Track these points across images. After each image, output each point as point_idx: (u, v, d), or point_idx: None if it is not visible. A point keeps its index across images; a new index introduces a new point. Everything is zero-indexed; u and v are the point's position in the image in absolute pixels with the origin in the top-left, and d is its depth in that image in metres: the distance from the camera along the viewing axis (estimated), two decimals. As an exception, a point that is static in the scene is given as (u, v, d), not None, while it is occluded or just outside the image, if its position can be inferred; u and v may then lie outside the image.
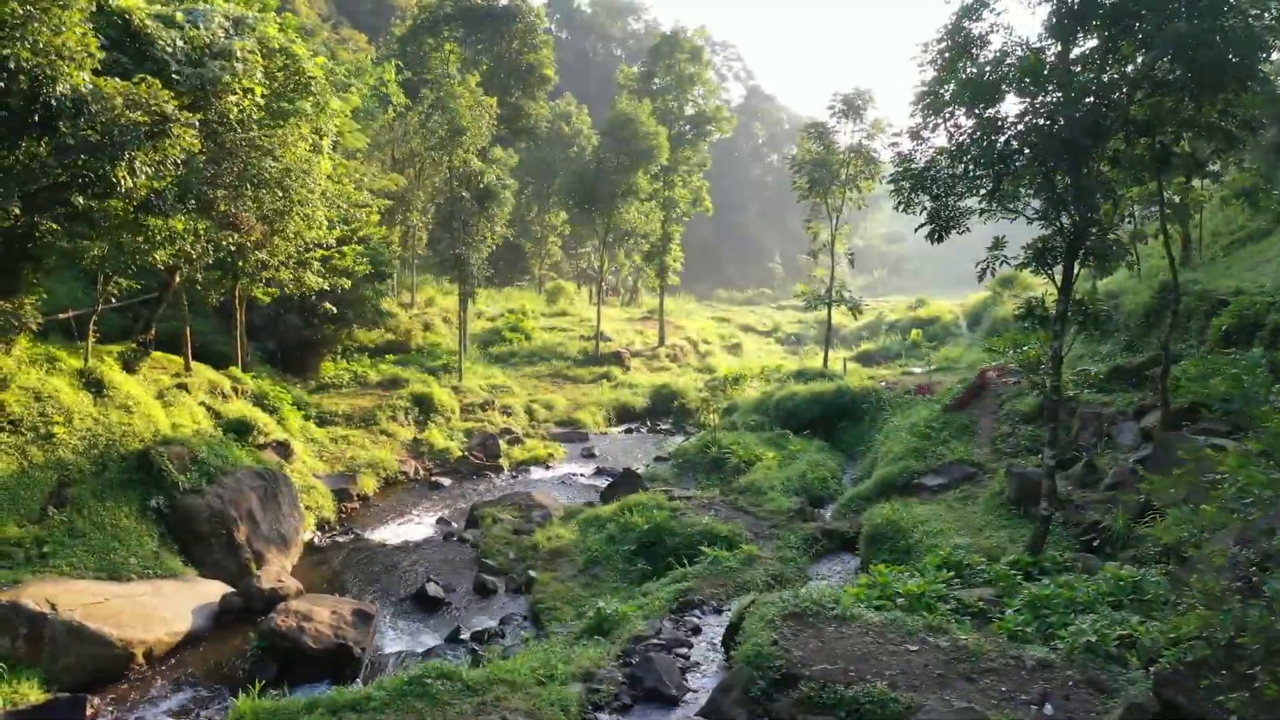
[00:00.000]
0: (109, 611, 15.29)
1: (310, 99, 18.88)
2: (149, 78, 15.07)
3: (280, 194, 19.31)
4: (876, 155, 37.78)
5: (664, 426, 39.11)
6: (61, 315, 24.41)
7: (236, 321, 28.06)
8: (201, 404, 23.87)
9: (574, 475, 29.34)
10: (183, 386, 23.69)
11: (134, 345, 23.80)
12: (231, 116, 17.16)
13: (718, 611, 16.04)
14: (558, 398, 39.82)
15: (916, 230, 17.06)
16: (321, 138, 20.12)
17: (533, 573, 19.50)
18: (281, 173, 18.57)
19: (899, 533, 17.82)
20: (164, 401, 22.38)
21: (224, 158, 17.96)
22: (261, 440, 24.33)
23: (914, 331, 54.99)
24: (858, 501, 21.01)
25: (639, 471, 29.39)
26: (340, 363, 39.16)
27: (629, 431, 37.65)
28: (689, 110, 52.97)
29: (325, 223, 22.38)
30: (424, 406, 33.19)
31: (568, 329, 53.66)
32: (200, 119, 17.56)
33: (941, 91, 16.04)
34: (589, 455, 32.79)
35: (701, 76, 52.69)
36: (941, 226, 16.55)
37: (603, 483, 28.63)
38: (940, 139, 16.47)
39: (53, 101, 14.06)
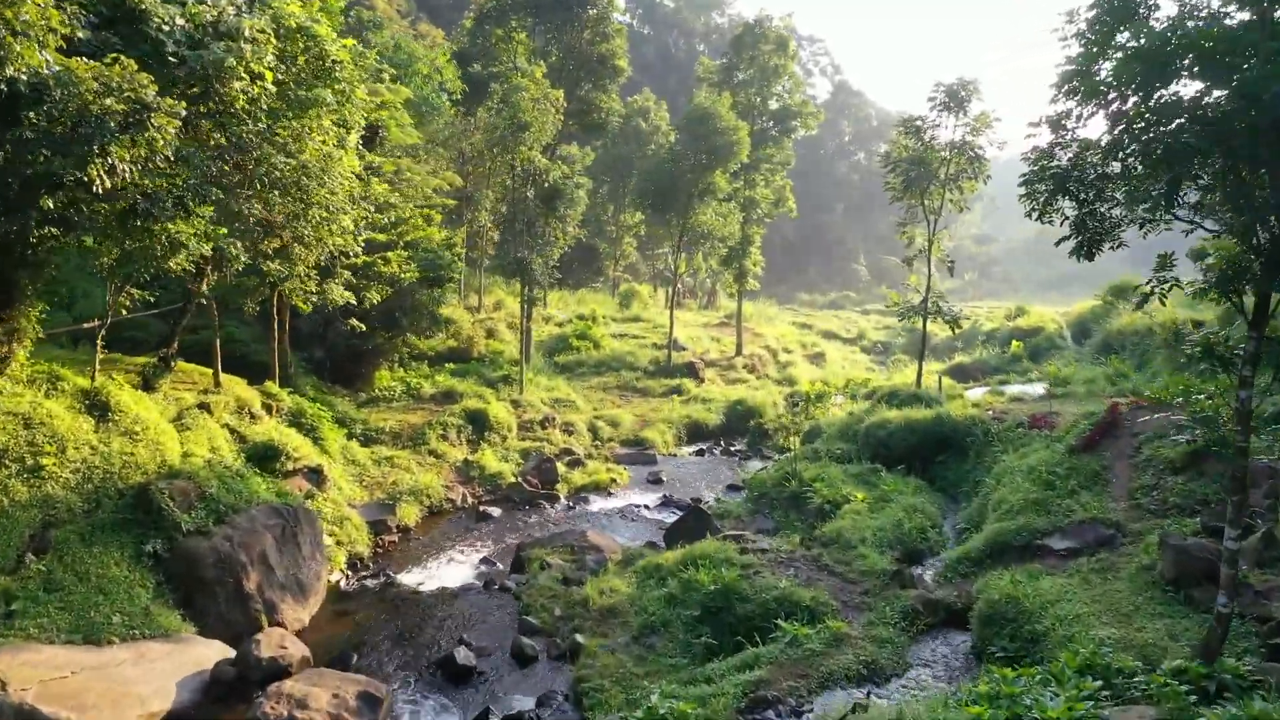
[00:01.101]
0: (72, 689, 12.95)
1: (333, 86, 16.37)
2: (123, 58, 12.64)
3: (297, 195, 16.84)
4: (982, 152, 33.98)
5: (738, 448, 35.97)
6: (87, 325, 22.55)
7: (274, 332, 25.87)
8: (225, 426, 21.67)
9: (636, 507, 26.47)
10: (205, 406, 21.50)
11: (155, 360, 21.74)
12: (238, 106, 14.66)
13: (797, 715, 12.98)
14: (624, 413, 37.00)
15: (1058, 244, 13.69)
16: (348, 131, 17.64)
17: (580, 637, 16.68)
18: (297, 171, 16.10)
19: (1023, 614, 14.47)
20: (180, 425, 20.19)
21: (231, 153, 15.52)
22: (290, 467, 22.05)
23: (1014, 344, 50.70)
24: (966, 563, 17.63)
25: (708, 504, 26.47)
26: (397, 371, 37.11)
27: (700, 453, 34.63)
28: (773, 105, 49.63)
29: (352, 227, 19.88)
30: (478, 424, 30.70)
31: (640, 336, 50.86)
32: (203, 109, 15.17)
33: (1095, 70, 12.67)
34: (655, 481, 29.90)
35: (787, 69, 49.28)
36: (1089, 240, 13.17)
37: (668, 516, 25.73)
38: (1092, 130, 13.07)
39: (2, 86, 11.72)
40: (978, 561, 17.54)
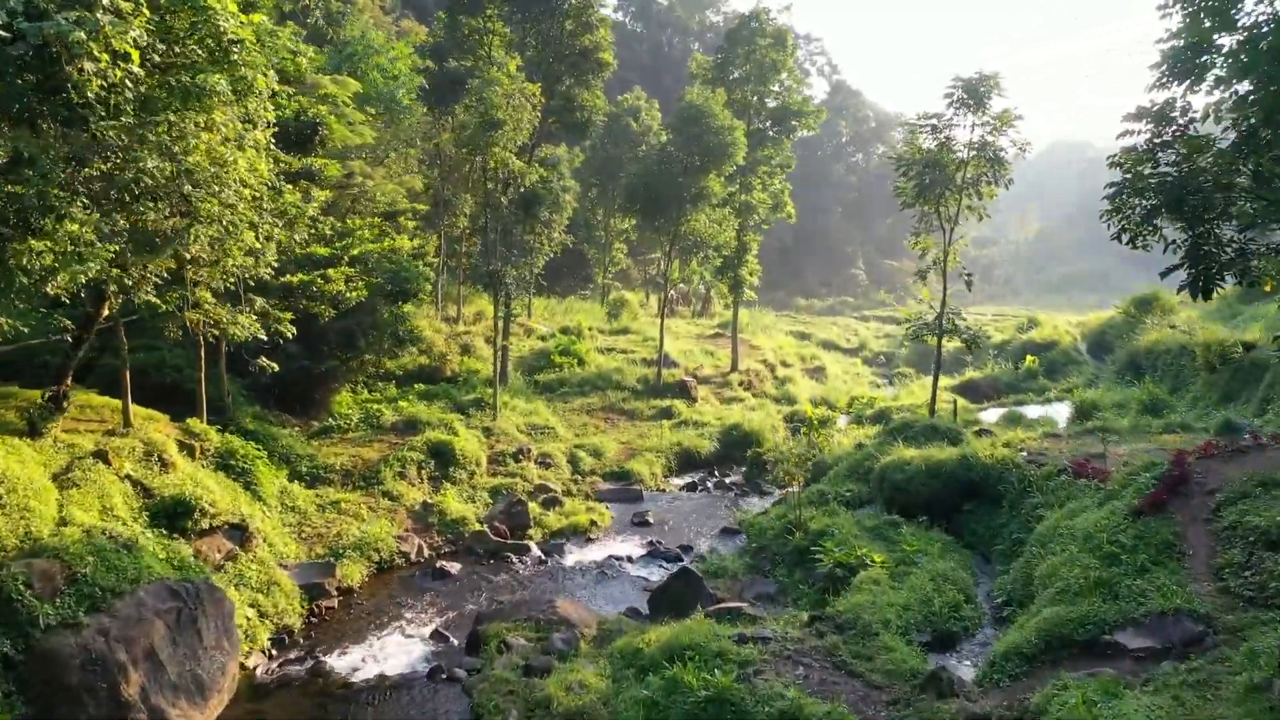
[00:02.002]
0: None
1: (231, 72, 13.03)
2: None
3: (178, 206, 13.44)
4: (1004, 154, 30.71)
5: (734, 479, 32.66)
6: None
7: (201, 359, 22.47)
8: (127, 478, 18.27)
9: (618, 560, 23.11)
10: (103, 455, 18.10)
11: (42, 400, 18.35)
12: (91, 93, 11.32)
13: None
14: (609, 441, 33.65)
15: (1164, 275, 10.40)
16: (252, 127, 14.28)
17: (539, 758, 13.38)
18: (176, 177, 12.73)
19: (1104, 752, 11.18)
20: (67, 480, 16.82)
21: (90, 155, 12.15)
22: (206, 524, 18.69)
23: (1029, 358, 47.43)
24: (1016, 660, 14.29)
25: (699, 554, 23.20)
26: (361, 393, 33.80)
27: (692, 487, 31.27)
28: (770, 103, 46.33)
29: (259, 244, 16.44)
30: (442, 459, 27.36)
31: (628, 350, 47.52)
32: (46, 100, 11.84)
33: (1215, 44, 9.40)
34: (641, 523, 26.56)
35: (785, 64, 45.99)
36: (1206, 273, 9.87)
37: (654, 571, 22.45)
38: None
39: None
40: (1030, 659, 14.21)
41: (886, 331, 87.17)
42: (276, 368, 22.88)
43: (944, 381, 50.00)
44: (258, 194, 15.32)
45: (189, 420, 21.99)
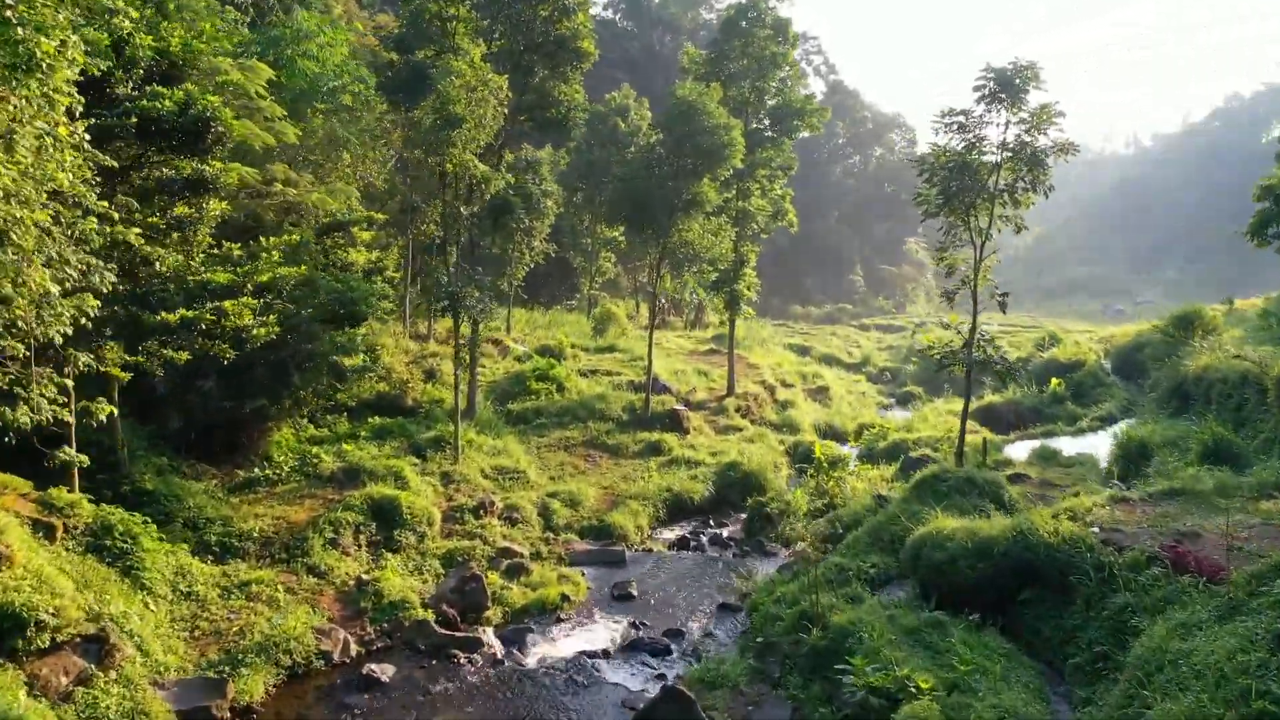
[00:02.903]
0: None
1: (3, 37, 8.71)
2: None
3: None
4: (1045, 157, 26.49)
5: (731, 530, 28.41)
6: None
7: (71, 396, 17.98)
8: (-65, 583, 13.90)
9: (592, 659, 18.69)
10: (-97, 554, 13.72)
11: None
12: None
13: None
14: (588, 486, 29.27)
15: None
16: (38, 118, 9.99)
17: None
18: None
19: None
20: None
21: None
22: (48, 640, 14.31)
23: (1054, 382, 43.12)
24: None
25: (693, 651, 18.92)
26: (308, 429, 29.57)
27: (684, 543, 26.89)
28: (770, 101, 42.03)
29: (43, 267, 11.90)
30: (386, 518, 22.98)
31: (614, 372, 43.16)
32: None
33: None
34: (622, 597, 22.20)
35: (786, 58, 41.70)
36: None
37: (636, 674, 18.13)
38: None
39: None
40: None
41: (889, 343, 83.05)
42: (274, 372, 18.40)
43: (959, 405, 45.81)
44: (42, 198, 10.87)
45: (52, 490, 17.59)
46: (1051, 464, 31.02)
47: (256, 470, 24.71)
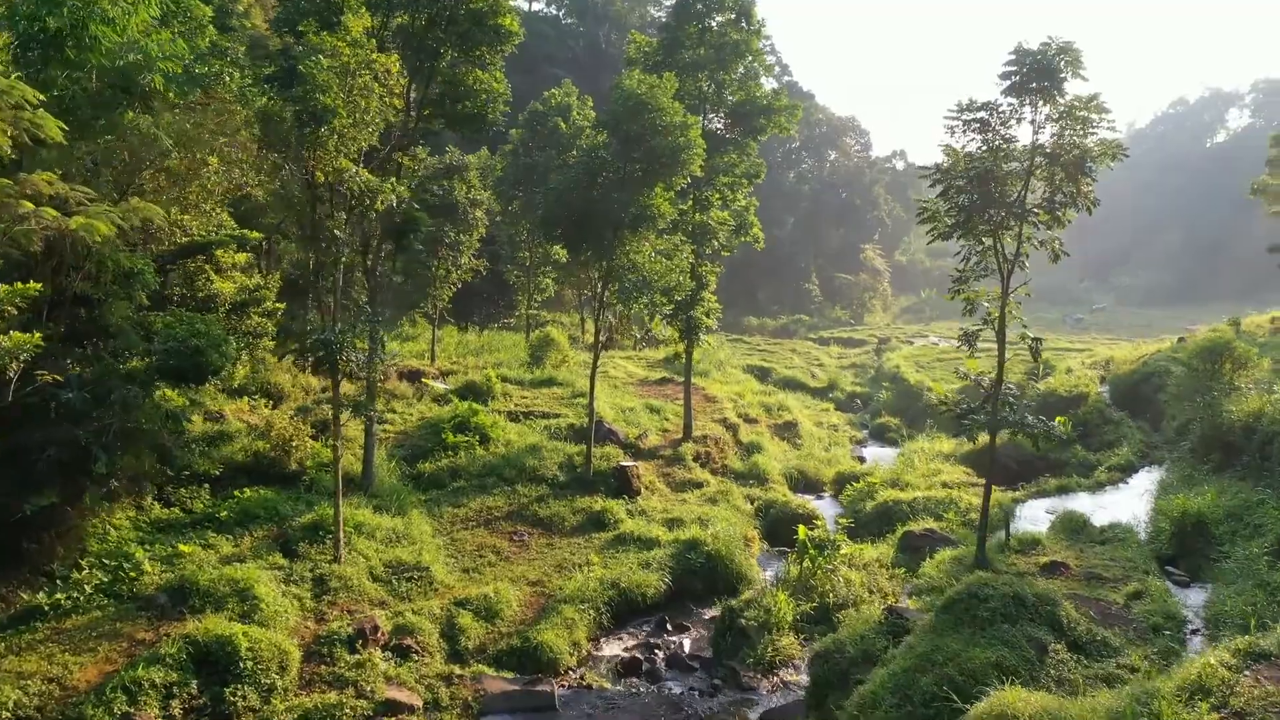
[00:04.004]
0: None
1: None
2: None
3: None
4: (1091, 168, 20.75)
5: (695, 641, 22.20)
6: None
7: None
8: None
9: None
10: None
11: None
12: None
13: None
14: (512, 584, 22.79)
15: None
16: None
17: None
18: None
19: None
20: None
21: None
22: None
23: (1060, 420, 37.48)
24: None
25: None
26: (155, 509, 22.91)
27: (633, 669, 20.53)
28: (732, 97, 35.93)
29: None
30: (215, 671, 16.35)
31: (551, 414, 36.71)
32: None
33: None
34: (549, 779, 15.86)
35: (751, 46, 35.62)
36: None
37: None
38: None
39: None
40: None
41: (852, 360, 77.72)
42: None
43: (946, 445, 40.24)
44: None
45: None
46: (1082, 538, 25.35)
47: (42, 594, 17.91)
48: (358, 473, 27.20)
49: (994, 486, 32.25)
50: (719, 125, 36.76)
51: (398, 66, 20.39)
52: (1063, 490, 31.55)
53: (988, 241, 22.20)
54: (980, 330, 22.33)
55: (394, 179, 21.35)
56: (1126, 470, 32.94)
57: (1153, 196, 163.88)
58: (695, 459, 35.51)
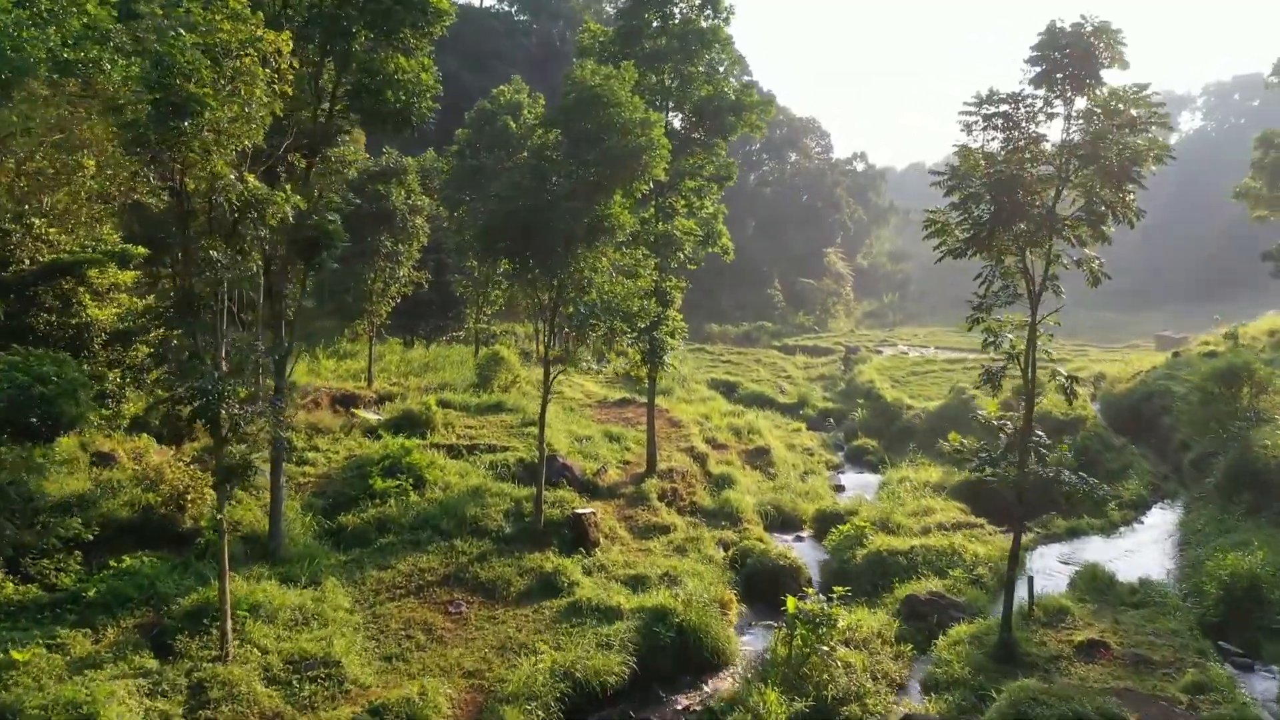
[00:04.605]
0: None
1: None
2: None
3: None
4: (1141, 164, 17.27)
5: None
6: None
7: None
8: None
9: None
10: None
11: None
12: None
13: None
14: (437, 687, 18.59)
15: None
16: None
17: None
18: None
19: None
20: None
21: None
22: None
23: (1062, 448, 34.20)
24: None
25: None
26: (6, 586, 18.64)
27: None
28: (698, 92, 32.13)
29: None
30: None
31: (499, 446, 32.67)
32: None
33: None
34: None
35: (718, 34, 31.86)
36: None
37: None
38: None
39: None
40: None
41: (819, 370, 74.46)
42: None
43: (933, 474, 36.86)
44: None
45: None
46: (1111, 600, 21.98)
47: None
48: (264, 531, 23.02)
49: (992, 528, 28.87)
50: (683, 124, 32.97)
51: (290, 46, 16.28)
52: (1074, 533, 28.22)
53: (1007, 260, 18.63)
54: (1004, 367, 18.70)
55: (288, 187, 17.17)
56: (1139, 507, 29.76)
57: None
58: (660, 497, 31.68)
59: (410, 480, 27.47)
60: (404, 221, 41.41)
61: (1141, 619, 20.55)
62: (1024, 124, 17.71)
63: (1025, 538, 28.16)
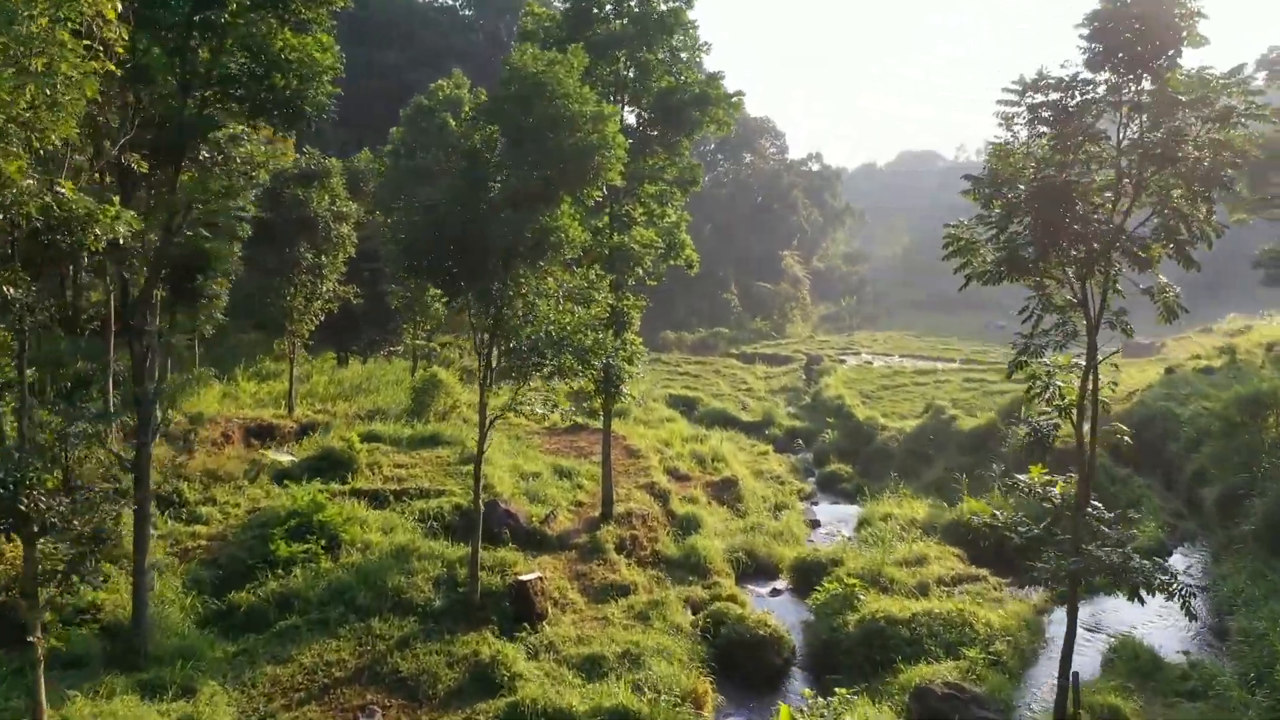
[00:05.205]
0: None
1: None
2: None
3: None
4: (1230, 166, 13.63)
5: None
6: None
7: None
8: None
9: None
10: None
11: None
12: None
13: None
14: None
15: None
16: None
17: None
18: None
19: None
20: None
21: None
22: None
23: (1059, 486, 30.82)
24: None
25: None
26: None
27: None
28: (658, 83, 28.13)
29: None
30: None
31: (432, 491, 28.45)
32: None
33: None
34: None
35: (680, 18, 27.87)
36: None
37: None
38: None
39: None
40: None
41: (781, 382, 70.84)
42: None
43: (919, 510, 33.34)
44: None
45: None
46: (1159, 686, 18.47)
47: None
48: (127, 619, 18.60)
49: (996, 580, 25.38)
50: (640, 119, 29.00)
51: (115, 11, 11.94)
52: (1091, 588, 24.64)
53: (1048, 285, 14.92)
54: (1057, 426, 14.98)
55: (116, 200, 12.84)
56: (1157, 553, 26.23)
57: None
58: (619, 547, 27.66)
59: (322, 542, 23.13)
60: (327, 230, 36.92)
61: (1200, 718, 17.04)
62: (1079, 113, 14.02)
63: (1038, 598, 24.68)
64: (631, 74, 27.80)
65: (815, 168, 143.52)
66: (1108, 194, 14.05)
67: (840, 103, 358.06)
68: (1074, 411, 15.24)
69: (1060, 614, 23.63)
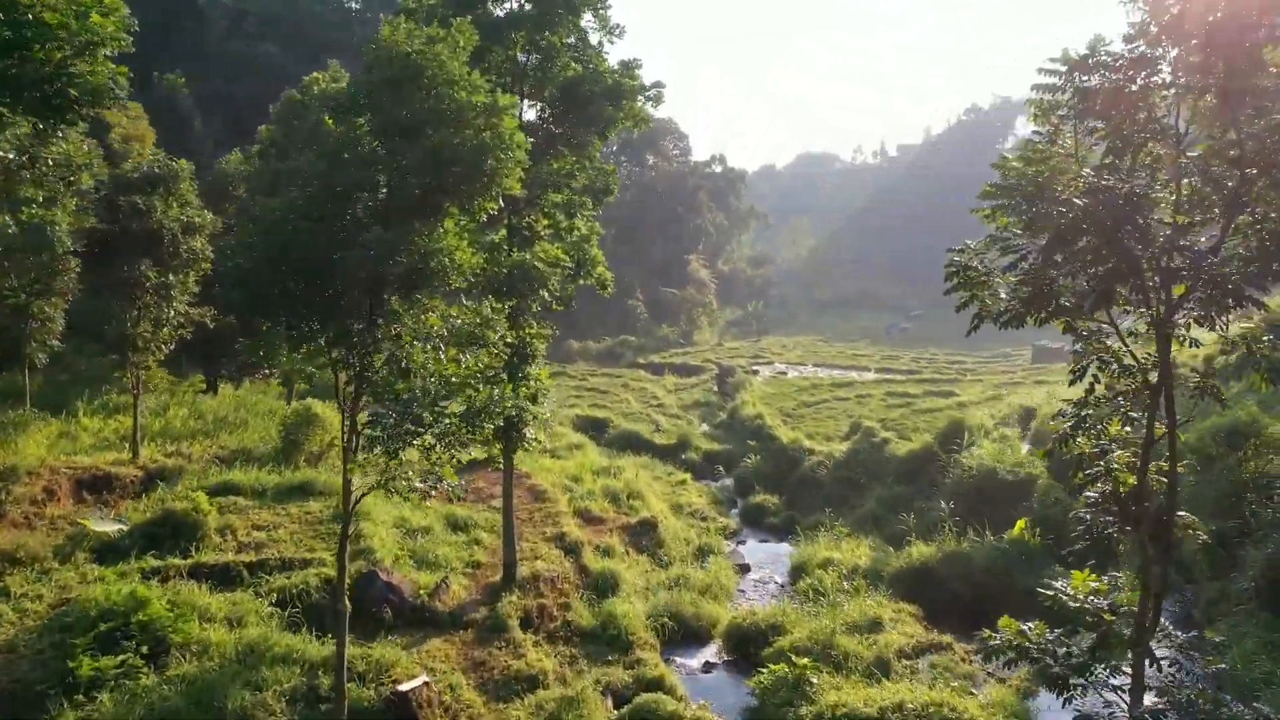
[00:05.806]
0: None
1: None
2: None
3: None
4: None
5: None
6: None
7: None
8: None
9: None
10: None
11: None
12: None
13: None
14: None
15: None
16: None
17: None
18: None
19: None
20: None
21: None
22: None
23: (1019, 526, 27.57)
24: None
25: None
26: None
27: None
28: (565, 71, 23.79)
29: None
30: None
31: (296, 562, 23.51)
32: None
33: None
34: None
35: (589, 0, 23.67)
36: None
37: None
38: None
39: None
40: None
41: (694, 396, 67.29)
42: None
43: (861, 554, 29.92)
44: None
45: None
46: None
47: None
48: None
49: (963, 648, 21.95)
50: (542, 115, 24.66)
51: None
52: (1071, 662, 21.34)
53: (1092, 325, 11.28)
54: (1110, 526, 11.34)
55: None
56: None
57: (954, 199, 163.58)
58: (524, 623, 23.31)
59: (144, 649, 18.08)
60: (175, 244, 31.40)
61: None
62: (1146, 106, 10.39)
63: (1012, 680, 21.27)
64: (531, 60, 23.39)
65: (718, 169, 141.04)
66: (1176, 212, 10.48)
67: (752, 79, 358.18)
68: (1158, 507, 11.66)
69: (1047, 698, 20.30)
